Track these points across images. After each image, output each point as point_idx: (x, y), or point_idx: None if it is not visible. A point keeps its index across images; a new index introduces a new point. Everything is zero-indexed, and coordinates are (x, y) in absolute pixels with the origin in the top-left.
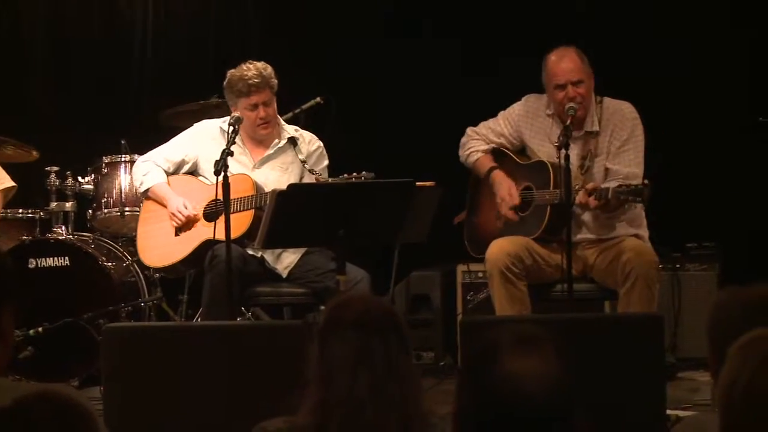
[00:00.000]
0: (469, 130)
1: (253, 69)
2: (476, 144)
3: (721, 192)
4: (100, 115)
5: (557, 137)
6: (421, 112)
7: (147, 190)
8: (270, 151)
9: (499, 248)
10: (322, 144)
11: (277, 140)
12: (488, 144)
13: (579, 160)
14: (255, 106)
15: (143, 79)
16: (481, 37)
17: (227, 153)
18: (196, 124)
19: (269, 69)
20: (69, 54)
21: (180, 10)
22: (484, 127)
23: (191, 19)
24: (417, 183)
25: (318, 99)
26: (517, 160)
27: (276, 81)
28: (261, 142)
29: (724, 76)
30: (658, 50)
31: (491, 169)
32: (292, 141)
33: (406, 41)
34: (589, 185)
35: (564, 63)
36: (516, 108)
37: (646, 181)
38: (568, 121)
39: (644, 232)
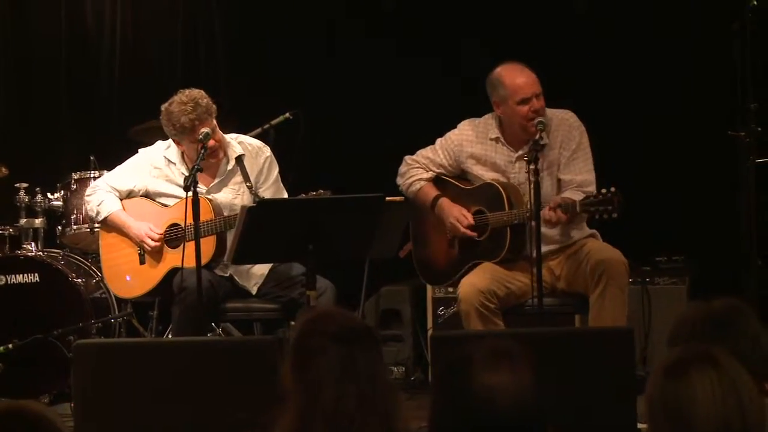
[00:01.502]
0: (408, 159)
1: (190, 102)
2: (417, 172)
3: (690, 205)
4: (69, 132)
5: (516, 157)
6: (390, 127)
7: (105, 219)
8: (220, 177)
9: (470, 286)
10: (269, 152)
11: (225, 163)
12: (428, 172)
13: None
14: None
15: (112, 95)
16: (454, 53)
17: (197, 169)
18: (140, 151)
19: (205, 96)
20: (37, 70)
21: (148, 26)
22: (422, 157)
23: (159, 35)
24: (386, 198)
25: (287, 114)
26: (461, 186)
27: (214, 105)
28: (210, 167)
29: (693, 90)
30: (629, 64)
31: (436, 198)
32: (239, 160)
33: (376, 57)
34: (553, 202)
35: (524, 76)
36: (453, 136)
37: (612, 189)
38: (537, 136)
39: (594, 231)
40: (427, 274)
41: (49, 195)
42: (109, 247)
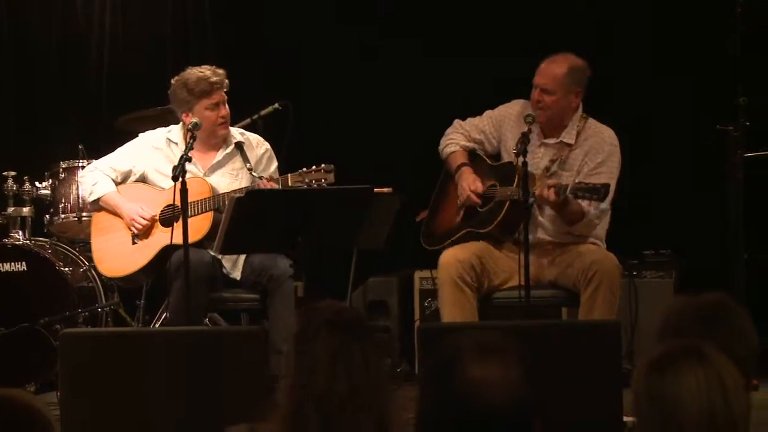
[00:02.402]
0: (456, 122)
1: (207, 70)
2: (457, 137)
3: (678, 199)
4: (58, 120)
5: (540, 143)
6: (380, 118)
7: (98, 200)
8: (218, 158)
9: (451, 256)
10: (269, 146)
11: (224, 146)
12: (468, 141)
13: (547, 163)
14: (216, 105)
15: (101, 84)
16: (442, 43)
17: (185, 158)
18: (140, 135)
19: (220, 69)
20: (26, 57)
21: (137, 16)
22: (468, 123)
23: (148, 24)
24: (375, 189)
25: (276, 105)
26: (488, 162)
27: (227, 81)
28: (209, 149)
29: (681, 83)
30: (616, 59)
31: (461, 165)
32: (239, 146)
33: (363, 47)
34: (551, 180)
35: (549, 67)
36: (502, 109)
37: (605, 182)
38: (527, 129)
39: (602, 245)
40: (426, 235)
41: (37, 184)
42: (101, 230)
